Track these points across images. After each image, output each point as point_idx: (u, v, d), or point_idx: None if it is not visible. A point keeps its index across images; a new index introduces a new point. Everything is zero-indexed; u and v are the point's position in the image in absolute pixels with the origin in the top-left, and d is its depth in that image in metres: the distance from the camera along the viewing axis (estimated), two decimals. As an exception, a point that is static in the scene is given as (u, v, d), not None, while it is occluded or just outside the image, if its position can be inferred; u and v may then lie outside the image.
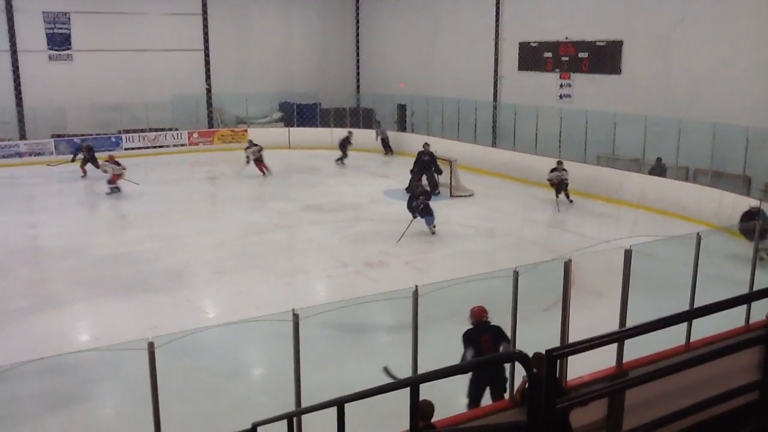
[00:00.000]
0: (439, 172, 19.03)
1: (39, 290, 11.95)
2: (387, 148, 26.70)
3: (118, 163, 19.93)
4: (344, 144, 24.63)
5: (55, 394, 8.16)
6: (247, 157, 22.05)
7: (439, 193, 18.81)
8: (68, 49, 26.88)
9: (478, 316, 7.26)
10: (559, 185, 17.72)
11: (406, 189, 18.77)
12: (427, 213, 14.86)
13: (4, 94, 25.54)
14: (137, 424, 6.38)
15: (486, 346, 6.81)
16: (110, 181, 19.44)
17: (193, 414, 6.94)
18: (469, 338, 7.01)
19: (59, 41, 26.74)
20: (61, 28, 26.66)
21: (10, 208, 18.10)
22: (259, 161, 21.97)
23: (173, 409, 6.28)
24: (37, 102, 25.68)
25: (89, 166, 21.78)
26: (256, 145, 22.29)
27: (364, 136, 27.68)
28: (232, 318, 10.04)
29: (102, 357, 8.33)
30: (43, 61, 26.47)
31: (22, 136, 25.64)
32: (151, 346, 5.10)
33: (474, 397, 6.92)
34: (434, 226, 14.95)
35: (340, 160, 24.46)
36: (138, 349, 5.17)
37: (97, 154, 22.17)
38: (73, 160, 22.55)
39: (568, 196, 17.87)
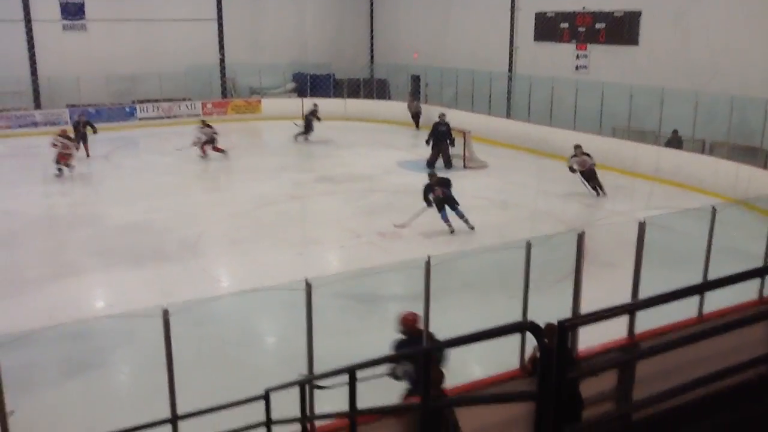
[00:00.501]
0: (453, 143, 18.87)
1: (56, 259, 12.12)
2: (417, 123, 25.46)
3: (70, 138, 18.39)
4: (309, 118, 23.23)
5: (71, 359, 8.31)
6: (198, 138, 20.00)
7: (452, 165, 18.75)
8: (82, 18, 26.83)
9: (410, 324, 6.22)
10: (590, 173, 15.73)
11: (427, 163, 18.77)
12: (451, 204, 13.12)
13: (19, 63, 25.61)
14: (152, 390, 6.48)
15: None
16: (57, 161, 17.66)
17: (206, 380, 7.05)
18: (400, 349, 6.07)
19: (73, 11, 26.68)
20: (74, -2, 26.59)
21: (26, 178, 18.25)
22: (209, 143, 19.97)
23: (187, 375, 6.38)
24: (52, 72, 25.72)
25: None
26: (209, 126, 20.43)
27: (377, 107, 27.56)
28: (245, 287, 10.17)
29: (117, 324, 8.45)
30: (57, 30, 26.46)
31: (37, 106, 25.77)
32: (165, 313, 5.17)
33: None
34: (467, 221, 13.03)
35: (303, 134, 22.97)
36: (153, 316, 5.25)
37: (108, 125, 22.04)
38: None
39: (600, 187, 15.82)
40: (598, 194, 15.78)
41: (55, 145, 17.68)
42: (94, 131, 20.76)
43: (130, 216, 14.48)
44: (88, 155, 20.10)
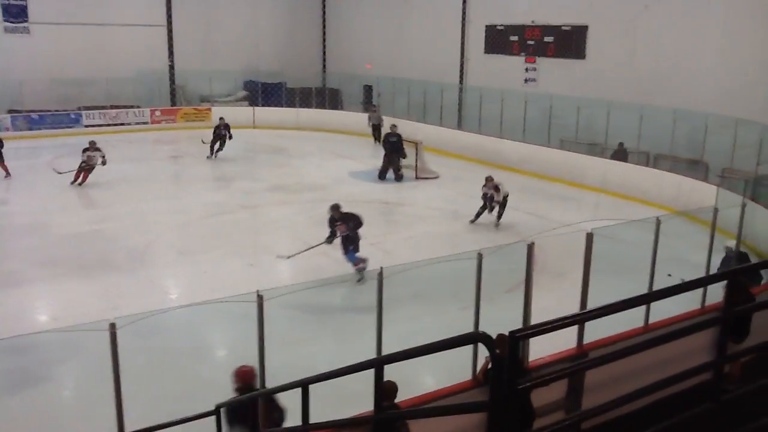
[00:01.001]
0: (404, 156, 18.89)
1: (-3, 269, 11.70)
2: (377, 135, 23.93)
3: None
4: (222, 132, 21.29)
5: (14, 374, 8.03)
6: (85, 162, 17.57)
7: (402, 176, 18.82)
8: (25, 21, 26.07)
9: (246, 380, 5.60)
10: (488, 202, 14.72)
11: (379, 174, 18.80)
12: (345, 246, 11.23)
13: (-42, 67, 24.74)
14: (99, 404, 6.32)
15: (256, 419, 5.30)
16: None
17: (156, 395, 6.91)
18: (233, 412, 5.51)
19: (15, 12, 25.91)
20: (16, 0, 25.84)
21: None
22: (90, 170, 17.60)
23: (136, 389, 6.23)
24: (-7, 75, 24.93)
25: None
26: (98, 149, 17.69)
27: (329, 116, 27.54)
28: (195, 299, 9.98)
29: (63, 337, 8.20)
30: (-1, 33, 25.67)
31: (-23, 111, 24.91)
32: (112, 327, 5.05)
33: None
34: (362, 269, 10.94)
35: (214, 152, 21.20)
36: (99, 330, 5.12)
37: (52, 131, 21.31)
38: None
39: (498, 216, 14.63)
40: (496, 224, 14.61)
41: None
42: None
43: (75, 225, 14.12)
44: (7, 174, 18.21)
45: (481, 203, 14.66)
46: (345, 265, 11.46)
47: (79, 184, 17.28)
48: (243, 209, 15.76)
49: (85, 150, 17.61)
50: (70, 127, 25.27)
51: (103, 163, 17.56)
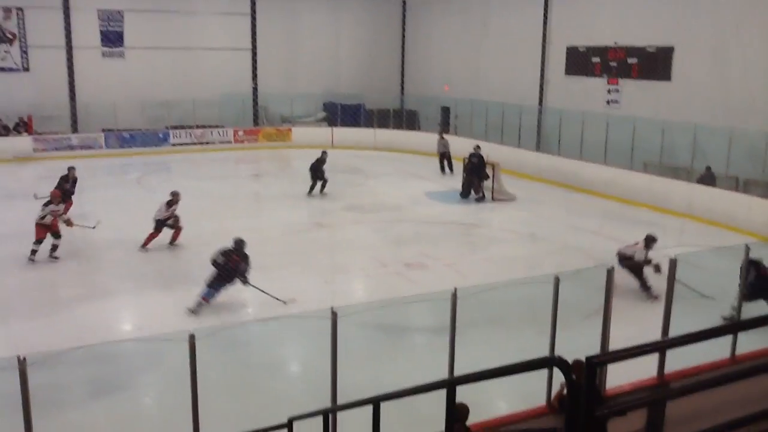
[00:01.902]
0: (485, 177, 18.74)
1: (87, 280, 12.28)
2: (446, 165, 22.95)
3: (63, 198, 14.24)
4: (317, 167, 19.31)
5: (98, 381, 8.36)
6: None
7: (483, 197, 18.70)
8: (121, 46, 27.54)
9: None
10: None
11: (461, 194, 18.80)
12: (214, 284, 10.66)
13: (59, 89, 26.33)
14: (177, 414, 6.50)
15: None
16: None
17: (230, 406, 7.05)
18: None
19: (113, 38, 27.42)
20: (114, 26, 27.34)
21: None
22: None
23: (211, 400, 6.40)
24: (90, 97, 26.39)
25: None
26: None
27: (406, 137, 27.70)
28: (271, 314, 10.20)
29: (145, 347, 8.51)
30: (97, 57, 27.18)
31: (75, 130, 26.38)
32: (192, 338, 5.20)
33: None
34: (201, 302, 10.40)
35: (314, 188, 19.11)
36: (179, 340, 5.28)
37: (142, 149, 21.94)
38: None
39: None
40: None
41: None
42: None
43: (160, 240, 14.64)
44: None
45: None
46: (419, 285, 11.44)
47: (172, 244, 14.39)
48: (319, 228, 15.99)
49: (170, 203, 14.46)
50: (158, 146, 26.42)
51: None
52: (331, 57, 31.26)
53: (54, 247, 13.13)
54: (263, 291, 10.66)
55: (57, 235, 13.20)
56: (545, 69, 24.65)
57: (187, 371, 5.34)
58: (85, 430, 7.40)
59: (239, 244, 11.12)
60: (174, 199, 14.48)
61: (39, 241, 12.94)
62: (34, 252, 12.89)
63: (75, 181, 16.98)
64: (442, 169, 23.08)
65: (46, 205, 13.17)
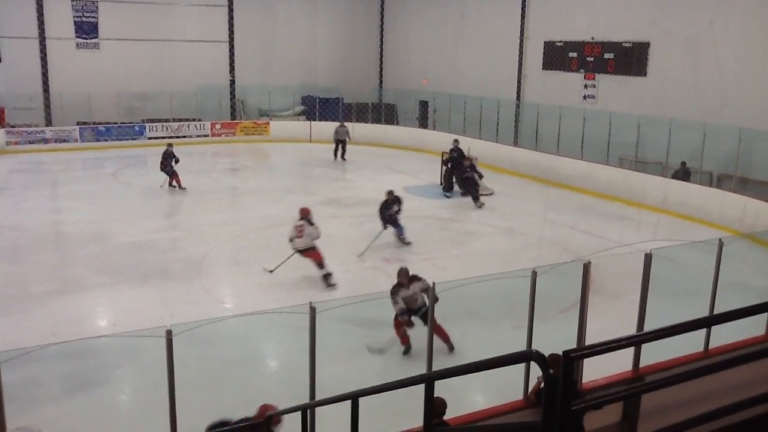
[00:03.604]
0: (480, 175, 18.05)
1: (61, 275, 12.13)
2: (341, 149, 24.03)
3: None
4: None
5: (73, 377, 8.27)
6: None
7: (482, 204, 18.29)
8: (95, 37, 27.15)
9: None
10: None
11: (443, 188, 18.82)
12: (395, 224, 13.90)
13: (32, 80, 25.89)
14: (153, 410, 6.46)
15: None
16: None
17: (208, 402, 7.01)
18: None
19: (87, 29, 27.02)
20: (89, 17, 26.93)
21: (34, 194, 18.34)
22: None
23: (189, 396, 6.36)
24: (64, 89, 26.00)
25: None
26: None
27: (384, 131, 27.68)
28: (249, 309, 10.15)
29: (120, 343, 8.42)
30: (71, 49, 26.77)
31: (48, 123, 25.99)
32: (168, 333, 5.15)
33: None
34: (405, 239, 13.98)
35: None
36: (156, 336, 5.24)
37: (117, 143, 21.73)
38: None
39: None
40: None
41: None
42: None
43: (136, 234, 14.52)
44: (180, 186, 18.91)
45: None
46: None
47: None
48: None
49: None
50: (135, 139, 26.12)
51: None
52: (308, 50, 31.13)
53: None
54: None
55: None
56: (523, 63, 24.77)
57: (164, 367, 5.29)
58: (60, 427, 7.32)
59: (389, 193, 14.04)
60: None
61: None
62: None
63: (170, 155, 18.99)
64: (335, 155, 24.00)
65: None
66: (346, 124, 25.06)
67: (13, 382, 5.11)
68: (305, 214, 12.05)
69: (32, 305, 10.47)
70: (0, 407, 4.66)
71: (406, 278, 8.98)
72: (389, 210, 13.76)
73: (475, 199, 17.49)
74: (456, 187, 18.74)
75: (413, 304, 8.74)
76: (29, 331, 9.12)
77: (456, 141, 19.61)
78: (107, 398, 8.11)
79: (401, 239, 13.90)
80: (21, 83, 25.50)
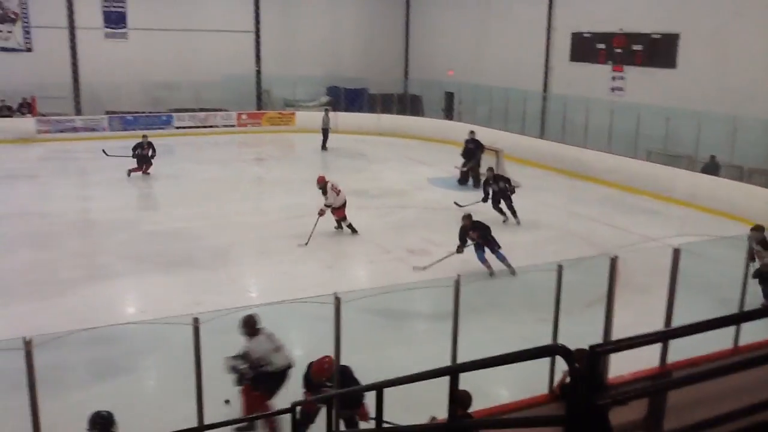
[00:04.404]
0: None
1: (90, 262, 12.32)
2: (324, 140, 24.35)
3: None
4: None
5: (102, 362, 8.42)
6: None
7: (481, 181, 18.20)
8: (124, 27, 27.39)
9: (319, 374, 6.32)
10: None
11: (458, 180, 18.76)
12: (483, 249, 11.80)
13: (62, 70, 26.22)
14: (180, 397, 6.54)
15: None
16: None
17: (233, 390, 7.08)
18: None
19: (115, 19, 27.26)
20: (117, 7, 27.18)
21: (64, 182, 18.63)
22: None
23: (215, 384, 6.44)
24: (93, 78, 26.31)
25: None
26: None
27: (409, 122, 27.62)
28: (274, 298, 10.22)
29: (148, 330, 8.54)
30: (100, 38, 27.03)
31: (78, 112, 26.33)
32: (196, 321, 5.23)
33: None
34: (510, 266, 11.63)
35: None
36: (183, 324, 5.31)
37: (149, 132, 22.07)
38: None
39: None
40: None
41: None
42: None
43: (163, 223, 14.69)
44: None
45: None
46: (421, 272, 11.47)
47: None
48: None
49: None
50: (162, 128, 26.36)
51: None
52: (334, 40, 31.11)
53: None
54: None
55: None
56: (550, 55, 24.51)
57: (191, 354, 5.37)
58: (88, 411, 7.45)
59: (466, 219, 12.07)
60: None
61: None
62: None
63: (148, 145, 18.99)
64: (324, 146, 24.18)
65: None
66: (330, 112, 25.28)
67: (44, 366, 5.22)
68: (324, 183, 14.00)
69: (62, 291, 10.66)
70: (33, 389, 4.77)
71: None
72: (468, 235, 11.93)
73: (513, 212, 15.41)
74: (471, 182, 18.70)
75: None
76: (59, 317, 9.27)
77: (472, 132, 19.42)
78: (135, 384, 8.25)
79: (504, 264, 11.70)
80: (51, 73, 25.82)
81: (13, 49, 25.76)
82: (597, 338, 5.35)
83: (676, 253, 5.90)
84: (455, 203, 15.66)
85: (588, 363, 2.70)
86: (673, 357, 5.89)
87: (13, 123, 24.50)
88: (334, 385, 5.79)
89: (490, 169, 16.44)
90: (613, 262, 5.81)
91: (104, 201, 16.69)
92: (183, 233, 13.94)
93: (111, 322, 8.86)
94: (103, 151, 19.94)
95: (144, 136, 19.53)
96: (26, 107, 25.31)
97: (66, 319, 9.20)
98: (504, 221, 15.09)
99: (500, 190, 15.47)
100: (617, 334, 5.14)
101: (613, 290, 5.81)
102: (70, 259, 12.45)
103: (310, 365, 6.36)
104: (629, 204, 17.30)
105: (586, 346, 2.84)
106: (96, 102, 26.30)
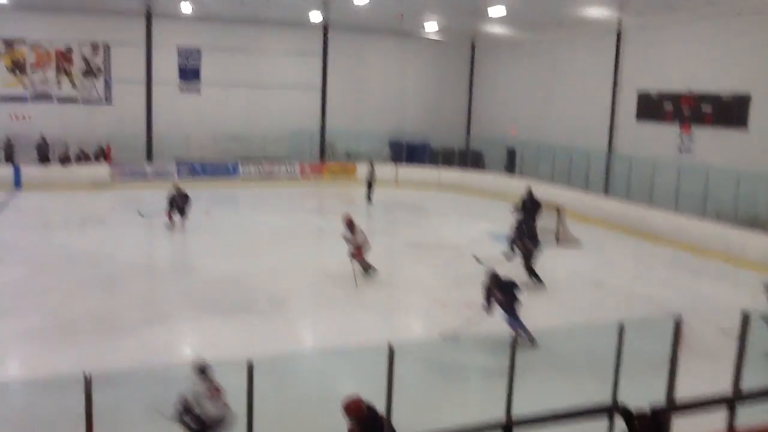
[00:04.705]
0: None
1: (151, 305, 12.61)
2: (369, 193, 24.33)
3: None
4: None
5: (157, 403, 8.49)
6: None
7: (539, 242, 17.74)
8: (197, 82, 28.65)
9: (357, 412, 6.36)
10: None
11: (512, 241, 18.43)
12: (509, 311, 10.70)
13: (137, 121, 27.55)
14: (231, 441, 6.54)
15: None
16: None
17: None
18: None
19: (190, 75, 28.57)
20: (192, 63, 28.49)
21: (131, 227, 19.26)
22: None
23: (266, 429, 6.40)
24: (165, 129, 27.47)
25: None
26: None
27: (470, 178, 27.62)
28: (328, 346, 10.22)
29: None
30: (174, 92, 28.35)
31: (149, 159, 27.43)
32: (250, 366, 5.24)
33: None
34: (521, 335, 10.12)
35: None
36: (237, 366, 5.33)
37: (212, 180, 22.51)
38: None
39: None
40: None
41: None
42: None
43: (223, 269, 14.96)
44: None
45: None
46: (478, 327, 11.28)
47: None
48: (380, 264, 16.00)
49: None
50: (228, 178, 27.17)
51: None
52: (398, 96, 31.71)
53: None
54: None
55: None
56: (615, 114, 24.31)
57: (243, 398, 5.37)
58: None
59: (491, 278, 10.93)
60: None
61: None
62: None
63: (183, 196, 18.59)
64: (369, 199, 24.24)
65: None
66: (374, 164, 25.36)
67: (102, 403, 5.30)
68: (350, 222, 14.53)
69: (123, 333, 10.90)
70: (90, 426, 4.85)
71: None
72: (494, 296, 10.88)
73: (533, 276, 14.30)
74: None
75: None
76: (119, 357, 9.47)
77: (530, 189, 18.89)
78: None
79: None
80: (127, 123, 27.18)
81: (94, 102, 27.22)
82: (658, 401, 5.11)
83: (746, 317, 5.64)
84: (474, 256, 15.01)
85: (650, 424, 2.58)
86: (740, 424, 5.57)
87: (90, 170, 25.67)
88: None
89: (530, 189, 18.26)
90: (678, 324, 5.58)
91: (169, 246, 17.15)
92: (242, 280, 14.16)
93: (168, 364, 9.00)
94: (139, 212, 20.06)
95: (176, 186, 19.09)
96: (102, 155, 26.52)
97: (125, 359, 9.39)
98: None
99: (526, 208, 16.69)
100: (680, 399, 4.90)
101: (677, 353, 5.56)
102: (133, 301, 12.77)
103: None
104: (697, 266, 16.73)
105: (646, 408, 2.72)
106: (166, 151, 27.41)
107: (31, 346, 10.29)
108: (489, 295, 10.79)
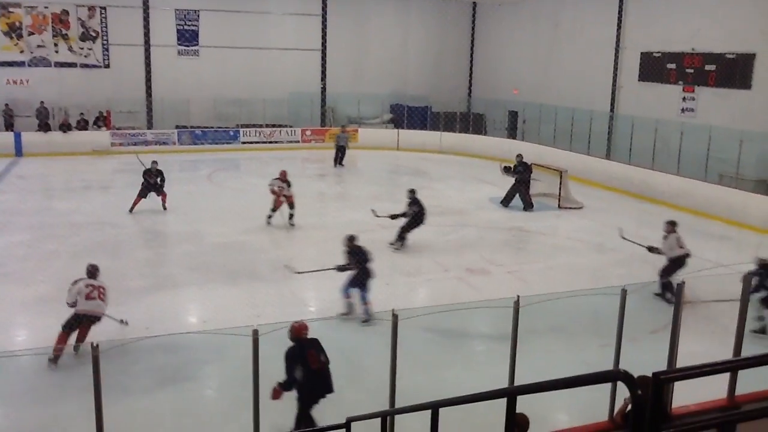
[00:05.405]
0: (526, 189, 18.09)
1: (156, 272, 12.68)
2: (338, 158, 24.31)
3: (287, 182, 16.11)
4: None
5: (164, 370, 8.62)
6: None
7: (532, 205, 18.06)
8: (196, 44, 28.33)
9: (299, 332, 6.74)
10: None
11: (501, 202, 18.47)
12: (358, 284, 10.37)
13: (137, 85, 27.30)
14: (238, 406, 6.65)
15: (312, 360, 6.60)
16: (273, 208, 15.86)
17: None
18: (293, 356, 6.57)
19: (188, 37, 28.24)
20: (190, 25, 28.15)
21: (134, 193, 19.24)
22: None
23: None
24: (165, 94, 27.26)
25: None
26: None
27: (472, 141, 27.51)
28: (332, 313, 10.31)
29: (209, 340, 8.72)
30: (173, 55, 28.04)
31: (150, 126, 27.30)
32: (255, 333, 5.31)
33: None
34: (367, 316, 10.03)
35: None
36: (243, 335, 5.40)
37: (213, 146, 22.47)
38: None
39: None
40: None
41: (274, 192, 15.77)
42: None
43: (227, 235, 15.01)
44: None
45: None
46: (480, 291, 11.36)
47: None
48: (381, 229, 16.02)
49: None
50: (229, 143, 27.06)
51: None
52: (399, 59, 31.37)
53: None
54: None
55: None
56: (618, 74, 24.09)
57: (250, 365, 5.45)
58: (150, 417, 7.64)
59: (348, 240, 10.87)
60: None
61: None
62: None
63: (157, 173, 17.21)
64: (335, 162, 24.27)
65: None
66: (347, 129, 25.79)
67: (110, 372, 5.38)
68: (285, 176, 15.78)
69: (129, 300, 10.97)
70: (98, 395, 4.92)
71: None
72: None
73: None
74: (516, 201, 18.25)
75: None
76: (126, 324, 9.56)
77: (519, 156, 18.90)
78: (195, 392, 8.41)
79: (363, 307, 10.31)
80: (126, 88, 26.93)
81: (92, 66, 26.97)
82: (661, 366, 5.18)
83: (747, 278, 5.68)
84: (372, 210, 14.81)
85: (652, 391, 2.61)
86: (742, 389, 5.64)
87: (90, 136, 25.57)
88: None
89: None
90: (680, 287, 5.63)
91: (171, 213, 17.15)
92: (246, 246, 14.23)
93: (174, 331, 9.09)
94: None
95: (154, 162, 17.30)
96: (102, 121, 26.39)
97: (131, 327, 9.48)
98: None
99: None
100: (682, 362, 4.96)
101: (679, 317, 5.61)
102: (138, 268, 12.83)
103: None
104: (699, 229, 16.71)
105: (649, 374, 2.75)
106: (167, 117, 27.23)
107: (36, 312, 10.38)
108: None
